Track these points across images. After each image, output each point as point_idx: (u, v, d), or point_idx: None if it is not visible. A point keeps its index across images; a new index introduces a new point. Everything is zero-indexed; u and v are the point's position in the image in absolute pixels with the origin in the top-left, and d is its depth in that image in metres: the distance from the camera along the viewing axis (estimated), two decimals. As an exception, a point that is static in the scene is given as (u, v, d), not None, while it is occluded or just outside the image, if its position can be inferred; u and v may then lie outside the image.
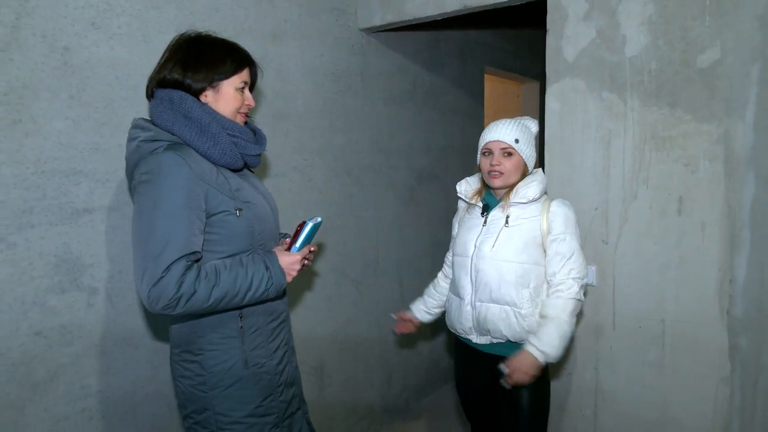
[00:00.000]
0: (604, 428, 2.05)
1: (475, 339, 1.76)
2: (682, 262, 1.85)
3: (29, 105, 1.43)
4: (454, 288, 1.81)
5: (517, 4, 2.15)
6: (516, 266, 1.65)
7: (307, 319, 2.35)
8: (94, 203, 1.57)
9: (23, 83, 1.42)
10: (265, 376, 1.38)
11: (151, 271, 1.16)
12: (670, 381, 1.90)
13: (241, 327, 1.34)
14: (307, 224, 1.39)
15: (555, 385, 2.12)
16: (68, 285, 1.53)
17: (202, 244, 1.26)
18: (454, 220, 1.96)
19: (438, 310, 2.00)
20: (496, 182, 1.70)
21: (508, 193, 1.71)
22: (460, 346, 1.87)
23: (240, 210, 1.31)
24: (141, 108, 1.65)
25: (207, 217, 1.26)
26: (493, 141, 1.70)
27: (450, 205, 3.31)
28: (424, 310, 2.01)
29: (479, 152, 1.77)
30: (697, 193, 1.80)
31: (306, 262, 1.45)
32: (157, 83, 1.32)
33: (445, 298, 1.95)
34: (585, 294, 1.75)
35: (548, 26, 2.03)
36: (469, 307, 1.73)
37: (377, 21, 2.49)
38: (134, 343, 1.69)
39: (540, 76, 4.22)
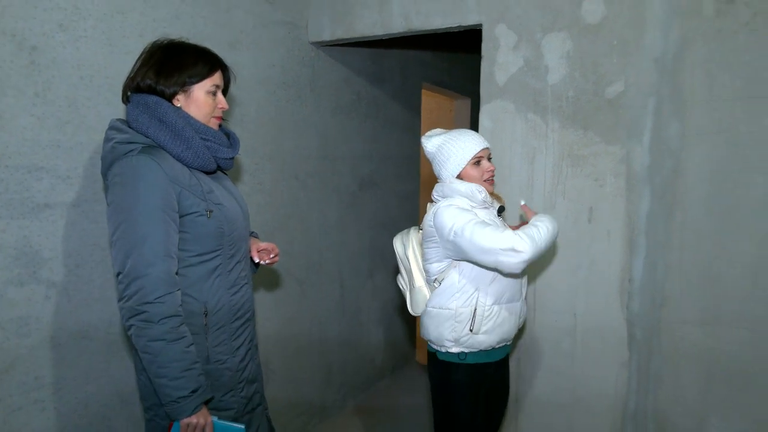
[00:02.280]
0: (525, 411, 2.30)
1: (507, 342, 1.79)
2: (591, 264, 2.14)
3: (-5, 101, 1.47)
4: (509, 296, 1.70)
5: (455, 30, 2.38)
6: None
7: (256, 314, 2.45)
8: (54, 199, 1.62)
9: (-10, 80, 1.46)
10: (227, 373, 1.43)
11: (140, 268, 1.25)
12: (579, 367, 2.19)
13: (206, 324, 1.39)
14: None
15: (483, 375, 2.35)
16: (27, 278, 1.56)
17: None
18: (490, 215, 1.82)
19: None
20: (491, 186, 1.75)
21: (496, 194, 1.83)
22: (483, 364, 1.73)
23: (211, 211, 1.38)
24: (102, 108, 1.71)
25: (180, 218, 1.34)
26: (485, 148, 1.71)
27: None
28: None
29: (466, 162, 1.68)
30: (604, 205, 2.10)
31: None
32: (133, 88, 1.39)
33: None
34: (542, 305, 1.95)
35: (483, 53, 2.28)
36: (516, 311, 1.75)
37: (327, 36, 2.65)
38: (89, 336, 1.73)
39: (471, 94, 4.54)
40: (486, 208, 1.72)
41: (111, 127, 1.37)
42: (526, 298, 1.81)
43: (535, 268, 2.22)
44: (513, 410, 2.32)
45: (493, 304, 1.67)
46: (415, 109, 3.81)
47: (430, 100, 4.92)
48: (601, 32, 2.05)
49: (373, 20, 2.51)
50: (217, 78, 1.44)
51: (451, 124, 4.89)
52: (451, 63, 4.24)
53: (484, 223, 1.57)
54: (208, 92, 1.42)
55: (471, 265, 1.65)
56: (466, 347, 1.68)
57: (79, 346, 1.71)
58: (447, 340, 1.68)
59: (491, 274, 1.66)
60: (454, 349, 1.69)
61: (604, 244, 2.11)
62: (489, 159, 1.74)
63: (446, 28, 2.37)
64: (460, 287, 1.66)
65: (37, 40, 1.55)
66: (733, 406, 1.94)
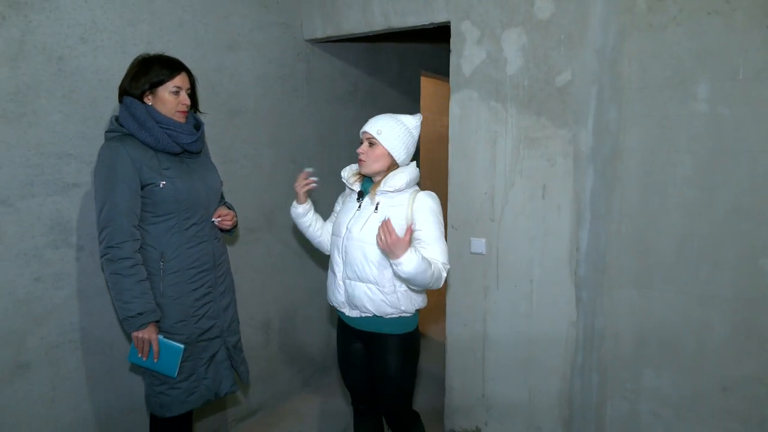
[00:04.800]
0: (489, 365, 2.59)
1: (348, 312, 1.90)
2: (545, 235, 2.40)
3: (32, 102, 1.85)
4: (330, 264, 1.95)
5: (428, 27, 2.65)
6: (378, 249, 1.75)
7: (254, 280, 2.82)
8: (81, 179, 2.00)
9: (27, 85, 1.84)
10: (178, 306, 1.85)
11: (106, 221, 1.72)
12: (535, 327, 2.46)
13: (162, 268, 1.83)
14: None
15: (453, 334, 2.65)
16: (60, 242, 1.96)
17: (141, 206, 1.78)
18: (337, 200, 2.12)
19: (303, 218, 2.09)
20: (362, 168, 1.87)
21: (377, 183, 1.85)
22: (339, 322, 2.02)
23: (164, 183, 1.80)
24: (117, 105, 2.08)
25: (141, 187, 1.77)
26: (363, 131, 1.87)
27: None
28: (310, 207, 2.10)
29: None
30: (555, 182, 2.35)
31: None
32: (122, 92, 1.83)
33: (312, 223, 2.09)
34: (504, 272, 2.00)
35: (451, 47, 2.55)
36: (341, 283, 1.88)
37: (319, 34, 2.96)
38: (111, 292, 2.13)
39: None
40: (347, 186, 1.98)
41: (108, 122, 1.79)
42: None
43: (497, 242, 2.50)
44: (479, 365, 2.61)
45: (329, 268, 1.99)
46: (413, 95, 4.08)
47: (427, 85, 5.16)
48: (551, 27, 2.28)
49: (357, 19, 2.80)
50: (178, 81, 1.83)
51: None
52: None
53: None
54: (171, 92, 1.83)
55: None
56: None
57: (104, 299, 2.10)
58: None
59: (331, 245, 2.00)
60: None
61: (555, 217, 2.37)
62: (371, 144, 1.83)
63: (420, 25, 2.64)
64: None
65: (62, 51, 1.93)
66: (664, 359, 2.18)
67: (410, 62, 4.01)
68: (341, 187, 2.10)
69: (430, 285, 1.74)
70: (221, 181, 2.08)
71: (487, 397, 2.62)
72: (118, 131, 1.80)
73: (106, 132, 1.84)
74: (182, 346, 1.82)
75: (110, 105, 2.07)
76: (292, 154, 3.00)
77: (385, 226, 1.59)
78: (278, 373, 3.04)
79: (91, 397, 2.10)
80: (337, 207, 2.09)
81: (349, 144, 3.43)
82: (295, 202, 2.08)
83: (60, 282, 1.97)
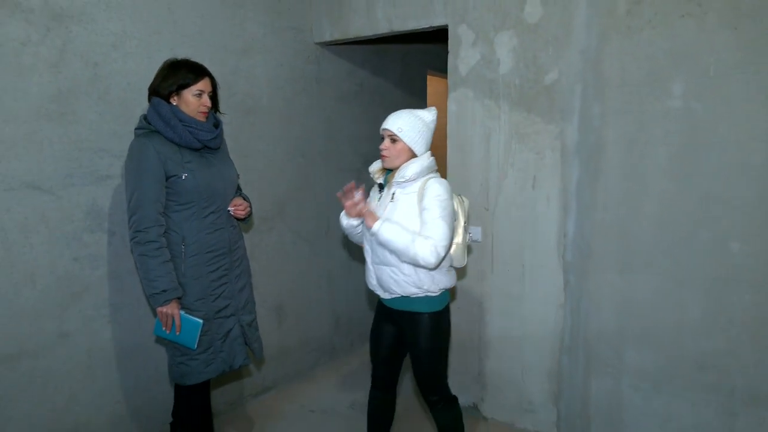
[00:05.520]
0: (485, 343, 2.79)
1: (381, 294, 2.05)
2: (535, 223, 2.58)
3: (72, 103, 2.10)
4: (364, 252, 2.09)
5: (427, 30, 2.85)
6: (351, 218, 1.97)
7: (267, 266, 3.05)
8: (113, 171, 2.25)
9: (68, 88, 2.09)
10: (199, 284, 2.07)
11: (135, 208, 1.94)
12: (527, 309, 2.65)
13: (183, 251, 2.04)
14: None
15: (453, 316, 2.84)
16: (95, 227, 2.21)
17: (165, 195, 2.00)
18: (371, 191, 2.19)
19: (355, 230, 2.12)
20: (385, 163, 2.00)
21: (392, 175, 1.99)
22: (378, 303, 2.17)
23: (186, 175, 2.01)
24: (146, 106, 2.32)
25: (166, 178, 1.99)
26: (384, 129, 1.97)
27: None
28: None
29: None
30: (544, 174, 2.53)
31: None
32: (150, 92, 2.04)
33: (361, 231, 2.12)
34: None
35: (449, 49, 2.74)
36: (371, 268, 2.04)
37: (328, 37, 3.18)
38: (139, 273, 2.37)
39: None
40: (373, 180, 2.10)
41: (138, 119, 2.02)
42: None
43: (492, 229, 2.69)
44: (475, 345, 2.81)
45: None
46: (419, 94, 4.28)
47: (438, 84, 5.35)
48: (539, 30, 2.46)
49: (362, 23, 3.01)
50: (201, 85, 2.04)
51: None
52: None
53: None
54: (194, 95, 2.04)
55: None
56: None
57: (133, 278, 2.34)
58: None
59: (363, 235, 2.10)
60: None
61: (544, 207, 2.55)
62: (393, 141, 1.93)
63: (420, 28, 2.84)
64: None
65: (97, 58, 2.17)
66: (643, 337, 2.35)
67: (416, 62, 4.21)
68: (347, 180, 2.24)
69: (413, 259, 1.83)
70: (238, 174, 2.30)
71: (483, 375, 2.81)
72: (146, 128, 2.03)
73: (135, 129, 2.06)
74: (201, 321, 2.04)
75: (138, 105, 2.31)
76: (302, 150, 3.23)
77: (349, 192, 1.83)
78: (290, 354, 3.27)
79: (122, 366, 2.35)
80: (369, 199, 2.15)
81: (356, 139, 3.65)
82: (344, 214, 2.07)
83: (95, 262, 2.22)
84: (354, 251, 3.69)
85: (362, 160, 3.73)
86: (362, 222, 2.04)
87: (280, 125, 3.06)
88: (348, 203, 1.97)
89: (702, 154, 2.16)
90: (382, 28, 2.95)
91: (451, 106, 2.77)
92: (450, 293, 2.12)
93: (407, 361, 2.12)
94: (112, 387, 2.33)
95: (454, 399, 2.12)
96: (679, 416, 2.30)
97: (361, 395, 3.11)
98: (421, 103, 4.30)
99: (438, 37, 4.26)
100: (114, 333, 2.31)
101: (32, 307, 2.04)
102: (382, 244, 1.89)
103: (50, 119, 2.05)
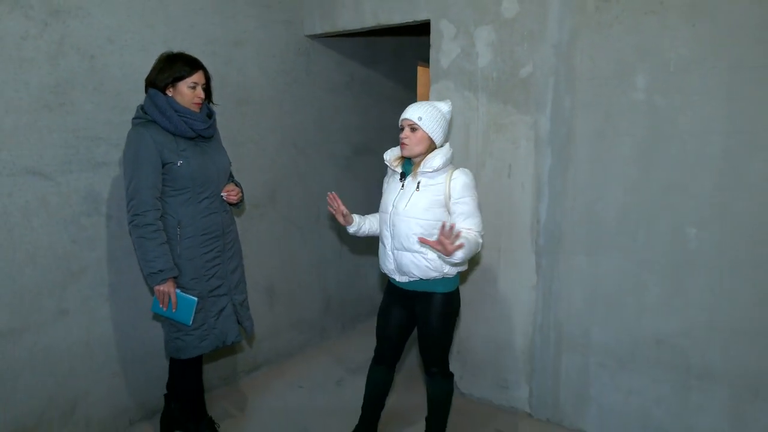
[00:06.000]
0: (464, 325, 2.94)
1: (397, 278, 2.17)
2: (510, 209, 2.72)
3: (69, 93, 2.23)
4: (380, 237, 2.22)
5: (411, 24, 2.96)
6: (422, 222, 2.04)
7: (258, 250, 3.19)
8: (109, 159, 2.39)
9: (65, 79, 2.22)
10: (193, 264, 2.21)
11: (133, 193, 2.07)
12: (502, 290, 2.79)
13: (179, 234, 2.18)
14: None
15: (433, 298, 2.99)
16: (92, 211, 2.35)
17: (162, 181, 2.13)
18: (384, 181, 2.31)
19: (359, 230, 2.30)
20: (404, 151, 2.09)
21: (418, 164, 2.09)
22: (388, 282, 2.30)
23: (181, 162, 2.14)
24: (140, 96, 2.44)
25: (163, 165, 2.12)
26: (404, 119, 2.08)
27: (383, 171, 4.16)
28: (357, 219, 2.28)
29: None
30: (519, 163, 2.66)
31: None
32: (147, 84, 2.16)
33: (368, 228, 2.31)
34: (482, 245, 2.15)
35: (431, 42, 2.86)
36: (390, 253, 2.15)
37: (318, 30, 3.29)
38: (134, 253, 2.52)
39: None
40: (390, 168, 2.23)
41: (136, 110, 2.15)
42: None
43: (469, 214, 2.82)
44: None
45: (379, 241, 2.26)
46: (409, 85, 4.40)
47: (427, 75, 5.45)
48: (516, 25, 2.58)
49: (350, 17, 3.12)
50: (196, 77, 2.17)
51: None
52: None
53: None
54: (189, 86, 2.16)
55: None
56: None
57: (129, 259, 2.49)
58: None
59: (380, 221, 2.22)
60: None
61: (519, 194, 2.68)
62: (413, 129, 2.05)
63: (405, 22, 2.95)
64: None
65: (94, 50, 2.30)
66: (609, 317, 2.50)
67: (407, 54, 4.31)
68: (339, 171, 2.40)
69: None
70: (230, 162, 2.44)
71: (462, 353, 2.97)
72: (143, 118, 2.15)
73: (133, 119, 2.18)
74: (196, 298, 2.19)
75: (133, 96, 2.44)
76: (294, 139, 3.36)
77: (448, 232, 1.83)
78: (281, 334, 3.43)
79: (119, 342, 2.51)
80: (385, 186, 2.27)
81: (346, 129, 3.77)
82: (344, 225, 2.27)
83: (92, 244, 2.37)
84: (345, 238, 3.83)
85: (352, 149, 3.85)
86: (363, 218, 2.29)
87: (272, 115, 3.19)
88: (335, 210, 2.20)
89: (663, 145, 2.28)
90: (369, 21, 3.06)
91: (433, 97, 2.88)
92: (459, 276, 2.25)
93: (410, 342, 2.24)
94: (110, 361, 2.49)
95: (451, 375, 2.28)
96: (641, 391, 2.45)
97: (348, 374, 3.27)
98: (411, 93, 4.42)
99: (427, 30, 4.38)
100: (111, 311, 2.46)
101: (34, 285, 2.19)
102: (460, 262, 2.01)
103: (49, 109, 2.18)
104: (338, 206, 2.21)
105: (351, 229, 2.29)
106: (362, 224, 2.30)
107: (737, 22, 2.09)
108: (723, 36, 2.12)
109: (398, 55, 4.24)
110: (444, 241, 1.84)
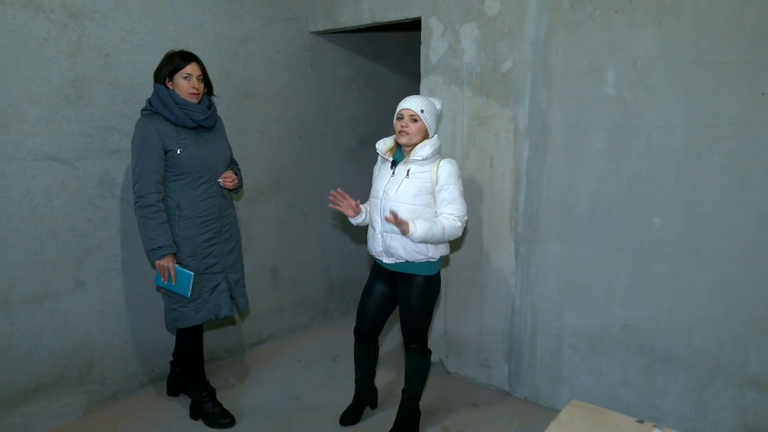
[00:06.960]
0: (450, 308, 3.10)
1: (385, 260, 2.33)
2: (492, 199, 2.86)
3: (86, 88, 2.51)
4: (369, 221, 2.36)
5: (407, 21, 3.12)
6: (411, 207, 2.20)
7: (263, 234, 3.44)
8: (122, 146, 2.66)
9: (83, 75, 2.49)
10: (191, 243, 2.43)
11: (138, 177, 2.31)
12: (484, 275, 2.94)
13: (178, 215, 2.41)
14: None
15: (422, 281, 3.16)
16: (107, 194, 2.63)
17: (164, 167, 2.37)
18: (374, 169, 2.45)
19: (364, 221, 2.41)
20: (403, 139, 2.22)
21: (408, 153, 2.25)
22: (374, 264, 2.48)
23: (180, 150, 2.37)
24: (150, 90, 2.71)
25: (165, 153, 2.35)
26: (405, 109, 2.22)
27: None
28: (363, 209, 2.39)
29: (395, 117, 2.26)
30: (500, 154, 2.80)
31: None
32: (154, 79, 2.41)
33: (367, 216, 2.40)
34: (465, 230, 2.32)
35: (422, 39, 3.01)
36: (379, 236, 2.30)
37: (321, 27, 3.49)
38: (145, 234, 2.79)
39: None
40: (382, 157, 2.38)
41: (144, 102, 2.40)
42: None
43: (455, 202, 2.97)
44: (441, 308, 3.13)
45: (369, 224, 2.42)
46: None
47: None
48: (497, 23, 2.71)
49: (350, 15, 3.31)
50: (189, 68, 2.39)
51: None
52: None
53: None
54: (183, 78, 2.38)
55: None
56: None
57: (139, 238, 2.75)
58: None
59: (370, 205, 2.37)
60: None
61: (500, 183, 2.82)
62: (414, 120, 2.20)
63: (398, 20, 3.12)
64: None
65: (108, 49, 2.57)
66: (581, 302, 2.62)
67: (413, 48, 4.46)
68: (344, 161, 2.57)
69: (447, 239, 2.21)
70: (231, 151, 2.66)
71: (448, 334, 3.13)
72: (149, 110, 2.40)
73: (141, 110, 2.44)
74: (192, 273, 2.43)
75: (144, 90, 2.70)
76: (298, 129, 3.58)
77: (393, 217, 2.07)
78: (285, 312, 3.68)
79: (130, 313, 2.79)
80: (373, 177, 2.43)
81: (351, 121, 3.97)
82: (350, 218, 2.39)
83: (106, 224, 2.65)
84: (347, 222, 4.04)
85: (358, 141, 4.05)
86: (366, 211, 2.39)
87: (276, 107, 3.41)
88: (344, 205, 2.31)
89: (631, 138, 2.38)
90: (366, 19, 3.24)
91: (423, 91, 3.05)
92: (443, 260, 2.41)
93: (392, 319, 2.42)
94: (122, 329, 2.78)
95: (429, 351, 2.48)
96: (610, 373, 2.57)
97: (346, 351, 3.49)
98: (417, 86, 4.55)
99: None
100: (124, 283, 2.75)
101: (54, 258, 2.48)
102: (419, 242, 2.18)
103: (69, 102, 2.46)
104: (348, 201, 2.32)
105: (357, 220, 2.39)
106: (365, 214, 2.41)
107: (700, 21, 2.17)
108: (686, 33, 2.20)
109: (407, 49, 4.39)
110: (389, 219, 2.08)
